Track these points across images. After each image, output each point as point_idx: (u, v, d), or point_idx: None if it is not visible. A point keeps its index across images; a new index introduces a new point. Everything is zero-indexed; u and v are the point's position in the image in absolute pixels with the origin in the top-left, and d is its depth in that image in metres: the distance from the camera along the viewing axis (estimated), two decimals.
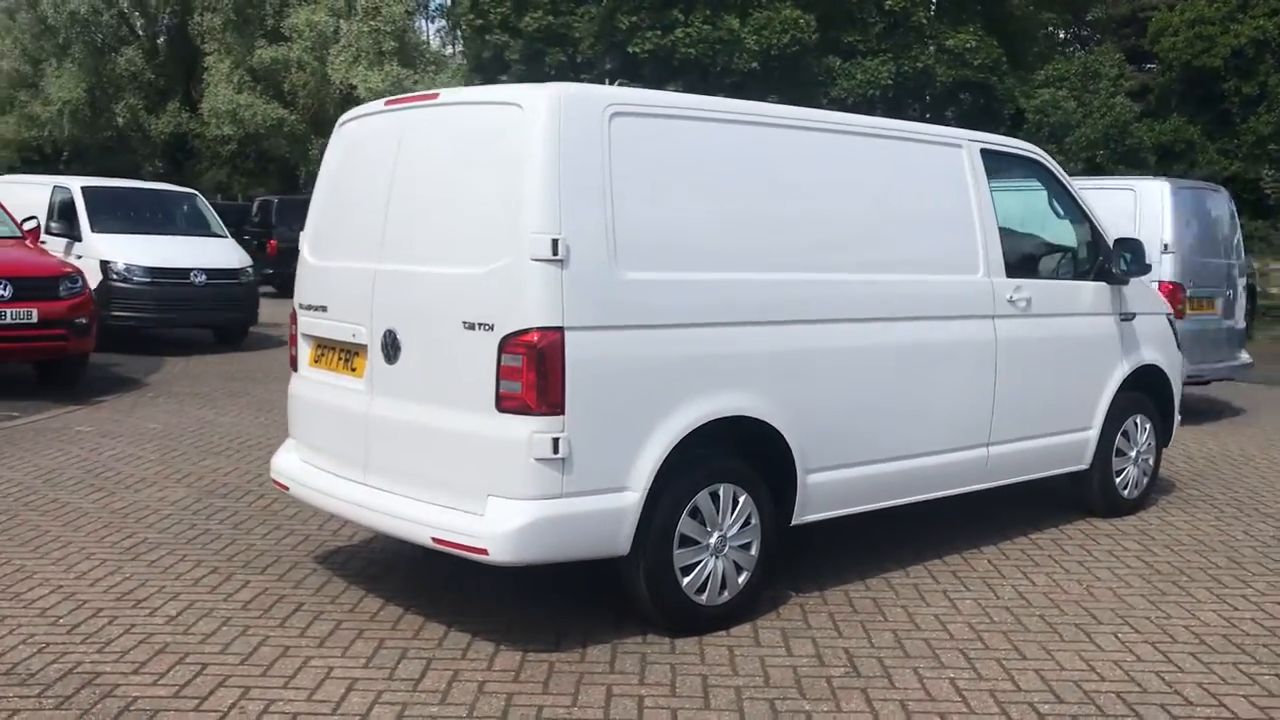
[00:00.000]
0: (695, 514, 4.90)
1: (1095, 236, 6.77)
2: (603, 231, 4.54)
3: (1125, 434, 6.99)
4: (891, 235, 5.65)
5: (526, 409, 4.43)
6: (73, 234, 14.51)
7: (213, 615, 5.06)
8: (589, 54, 21.40)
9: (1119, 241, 6.69)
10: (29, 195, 15.63)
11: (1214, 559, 6.23)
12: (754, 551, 5.12)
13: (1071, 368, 6.56)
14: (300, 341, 5.57)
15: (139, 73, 49.11)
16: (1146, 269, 6.73)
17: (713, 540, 4.95)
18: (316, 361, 5.45)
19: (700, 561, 4.93)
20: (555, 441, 4.43)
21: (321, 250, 5.51)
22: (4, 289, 10.45)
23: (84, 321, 11.15)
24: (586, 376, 4.50)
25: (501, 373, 4.46)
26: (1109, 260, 6.68)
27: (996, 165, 6.27)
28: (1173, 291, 9.72)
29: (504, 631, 4.93)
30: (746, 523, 5.08)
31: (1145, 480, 7.20)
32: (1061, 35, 44.07)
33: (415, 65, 41.86)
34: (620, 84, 19.51)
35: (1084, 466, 6.78)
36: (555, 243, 4.40)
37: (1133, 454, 7.05)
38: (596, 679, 4.47)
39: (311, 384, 5.49)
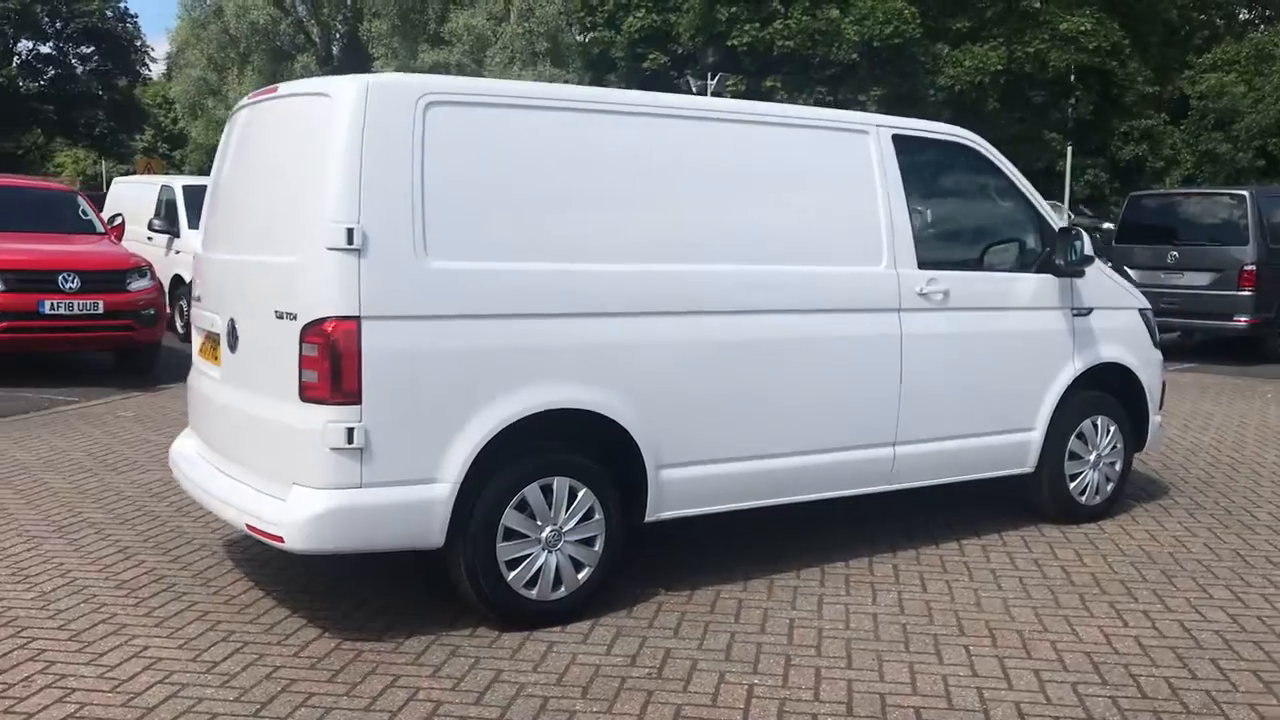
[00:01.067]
0: (524, 507, 4.84)
1: (1040, 227, 6.38)
2: (409, 220, 4.54)
3: (1081, 436, 6.57)
4: (772, 226, 5.45)
5: (324, 398, 4.47)
6: (174, 230, 15.31)
7: (82, 592, 5.28)
8: (689, 46, 21.28)
9: (1062, 232, 6.29)
10: (142, 194, 16.68)
11: (1147, 573, 5.80)
12: (598, 547, 5.03)
13: (1006, 365, 6.20)
14: (194, 332, 5.76)
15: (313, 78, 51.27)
16: (1086, 261, 6.30)
17: (544, 534, 4.89)
18: (200, 351, 5.63)
19: (529, 556, 4.87)
20: (350, 431, 4.46)
21: (204, 241, 5.69)
22: (72, 281, 11.09)
23: (151, 313, 11.74)
24: (387, 367, 4.51)
25: (302, 362, 4.51)
26: (1055, 252, 6.29)
27: (917, 152, 5.98)
28: None
29: (340, 619, 4.98)
30: (589, 517, 4.99)
31: (1110, 486, 6.75)
32: (1244, 15, 41.58)
33: (567, 65, 42.54)
34: (721, 78, 19.34)
35: (1028, 470, 6.41)
36: (351, 232, 4.42)
37: (1091, 458, 6.62)
38: (391, 670, 4.47)
39: (195, 373, 5.67)
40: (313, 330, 4.47)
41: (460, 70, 48.48)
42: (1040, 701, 4.28)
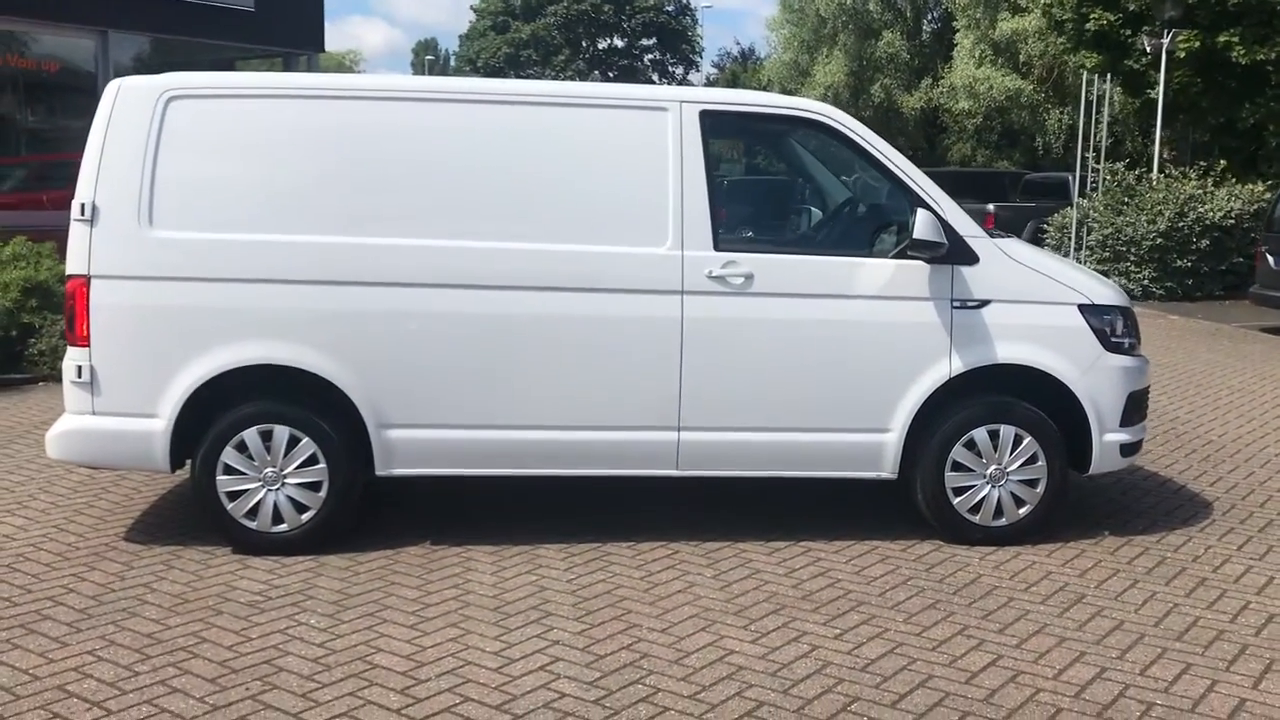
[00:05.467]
0: (243, 448, 5.54)
1: (911, 210, 5.66)
2: (136, 197, 5.42)
3: (973, 446, 5.76)
4: (524, 205, 5.55)
5: (69, 341, 5.54)
6: None
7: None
8: (1141, 3, 18.95)
9: (918, 214, 5.53)
10: None
11: (872, 606, 5.07)
12: (322, 493, 5.58)
13: (837, 358, 5.63)
14: None
15: (895, 54, 52.07)
16: (923, 247, 5.47)
17: (264, 474, 5.55)
18: None
19: (247, 491, 5.56)
20: (79, 369, 5.47)
21: None
22: None
23: None
24: (110, 317, 5.45)
25: (65, 310, 5.61)
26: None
27: (742, 129, 5.69)
28: None
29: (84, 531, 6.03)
30: (312, 464, 5.57)
31: (1027, 510, 5.81)
32: None
33: None
34: (1162, 26, 17.19)
35: (886, 474, 5.78)
36: (84, 206, 5.42)
37: (987, 472, 5.77)
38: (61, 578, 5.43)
39: None
40: (67, 286, 5.53)
41: (1040, 37, 46.65)
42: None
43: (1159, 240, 17.23)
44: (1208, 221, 17.19)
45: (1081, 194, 19.09)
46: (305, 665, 4.38)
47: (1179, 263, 17.21)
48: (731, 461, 5.74)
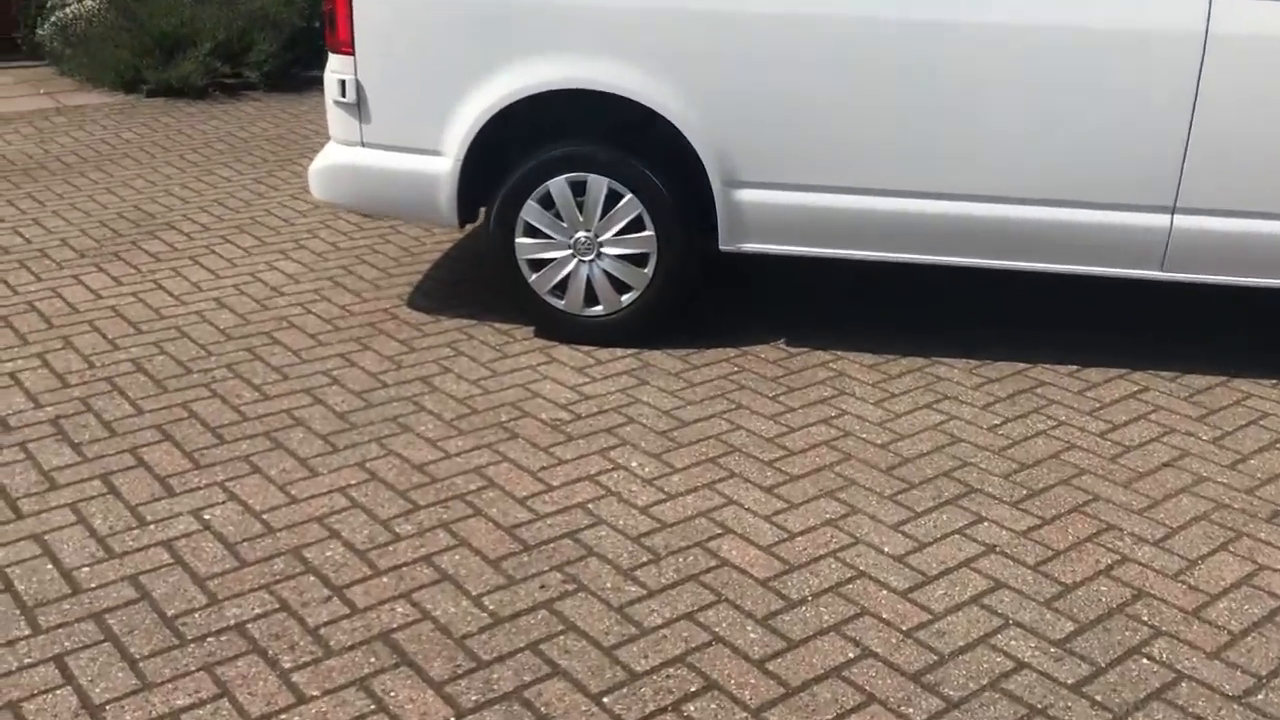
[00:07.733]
0: (548, 203, 4.13)
1: None
2: None
3: None
4: None
5: (330, 46, 4.19)
6: None
7: None
8: None
9: None
10: None
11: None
12: (648, 269, 4.14)
13: None
14: None
15: None
16: None
17: (575, 238, 4.14)
18: None
19: (554, 260, 4.18)
20: (343, 84, 4.14)
21: None
22: None
23: None
24: (376, 18, 4.05)
25: (324, 4, 4.22)
26: None
27: None
28: None
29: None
30: (637, 230, 4.10)
31: None
32: None
33: None
34: None
35: None
36: None
37: None
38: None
39: None
40: None
41: None
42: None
43: None
44: None
45: None
46: (624, 550, 3.03)
47: None
48: (1247, 264, 3.84)
